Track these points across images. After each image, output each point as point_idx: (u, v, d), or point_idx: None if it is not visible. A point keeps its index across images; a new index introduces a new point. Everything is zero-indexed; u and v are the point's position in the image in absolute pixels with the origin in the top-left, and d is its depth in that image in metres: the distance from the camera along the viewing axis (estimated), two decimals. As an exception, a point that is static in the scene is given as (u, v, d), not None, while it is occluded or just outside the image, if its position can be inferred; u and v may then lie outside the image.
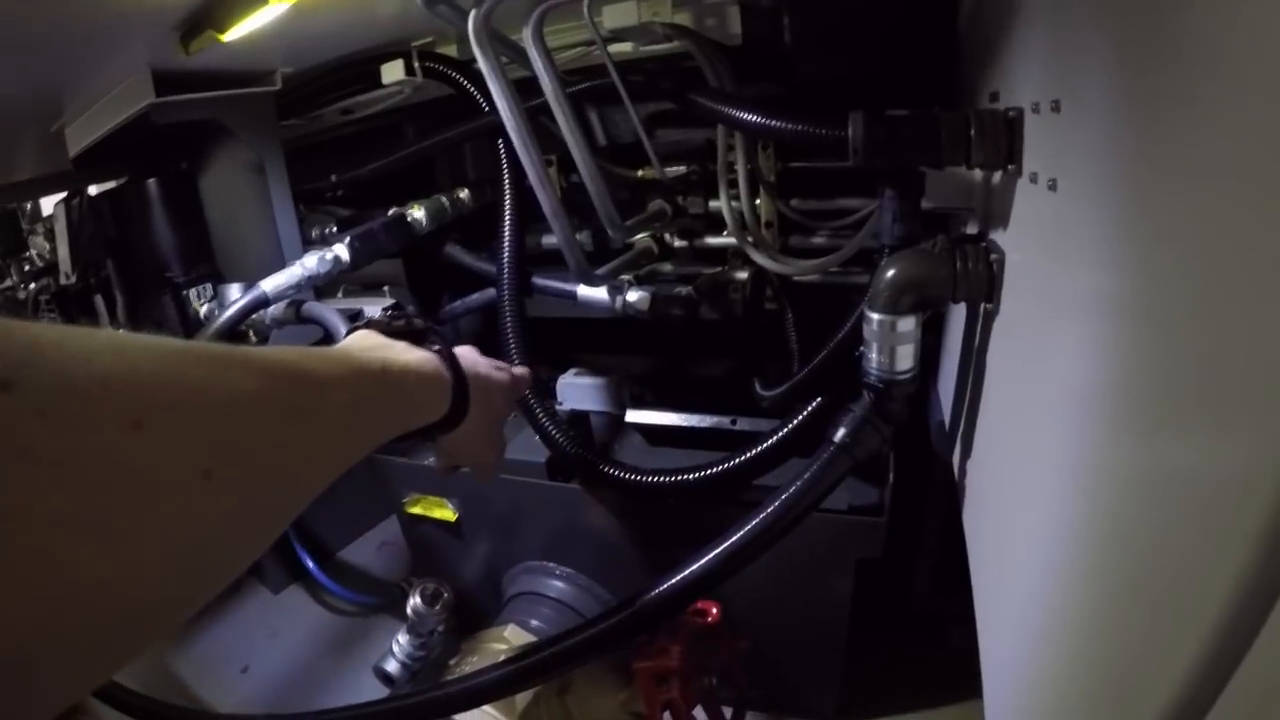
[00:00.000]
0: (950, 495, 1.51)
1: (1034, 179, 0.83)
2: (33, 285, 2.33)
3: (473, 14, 1.02)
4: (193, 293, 1.70)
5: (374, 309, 1.85)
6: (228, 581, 0.44)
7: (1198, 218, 0.46)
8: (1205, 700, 0.42)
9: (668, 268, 1.73)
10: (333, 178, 1.88)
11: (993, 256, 0.98)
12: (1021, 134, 0.88)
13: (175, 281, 1.68)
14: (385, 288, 2.02)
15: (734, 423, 1.55)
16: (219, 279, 1.74)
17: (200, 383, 0.40)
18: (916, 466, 1.48)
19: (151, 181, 1.69)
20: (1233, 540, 0.38)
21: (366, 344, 0.71)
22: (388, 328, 0.77)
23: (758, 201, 1.50)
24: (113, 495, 0.33)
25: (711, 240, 1.65)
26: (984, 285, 0.98)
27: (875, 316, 0.99)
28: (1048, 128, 0.79)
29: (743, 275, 1.63)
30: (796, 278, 1.53)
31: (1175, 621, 0.45)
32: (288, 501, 0.49)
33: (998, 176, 1.04)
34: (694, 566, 1.01)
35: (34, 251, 2.39)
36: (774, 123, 1.02)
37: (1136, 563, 0.53)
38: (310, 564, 2.30)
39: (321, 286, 1.93)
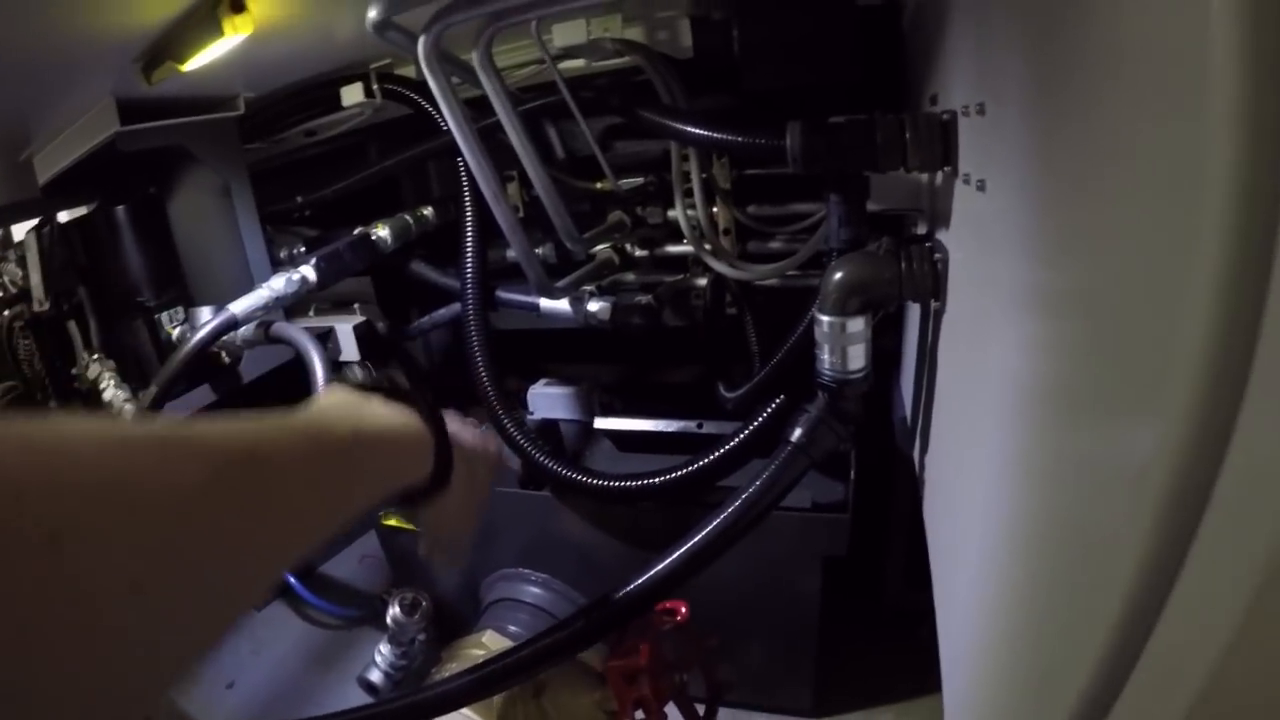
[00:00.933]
0: (915, 489, 1.57)
1: (967, 180, 0.86)
2: (5, 312, 2.33)
3: (421, 39, 1.04)
4: (164, 316, 1.70)
5: (345, 325, 1.85)
6: (172, 684, 0.41)
7: (1097, 217, 0.49)
8: (1120, 678, 0.44)
9: (630, 277, 1.75)
10: (298, 199, 1.89)
11: (937, 256, 1.02)
12: (956, 136, 0.91)
13: (146, 306, 1.69)
14: (355, 305, 2.03)
15: (700, 426, 1.58)
16: (190, 302, 1.75)
17: (134, 479, 0.36)
18: (882, 463, 1.51)
19: (120, 208, 1.70)
20: (1133, 524, 0.40)
21: (337, 403, 0.66)
22: (364, 384, 0.72)
23: (714, 209, 1.53)
24: (27, 616, 0.30)
25: (671, 249, 1.68)
26: (929, 284, 1.01)
27: (825, 319, 1.02)
28: (976, 130, 0.82)
29: (702, 282, 1.66)
30: (755, 282, 1.56)
31: (1086, 605, 0.47)
32: (235, 597, 0.44)
33: (939, 178, 1.08)
34: (658, 567, 1.04)
35: (6, 279, 2.38)
36: (717, 135, 1.05)
37: (1053, 548, 0.56)
38: (292, 579, 2.29)
39: (291, 306, 1.95)
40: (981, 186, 0.79)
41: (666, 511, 1.47)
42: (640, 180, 1.59)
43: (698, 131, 1.09)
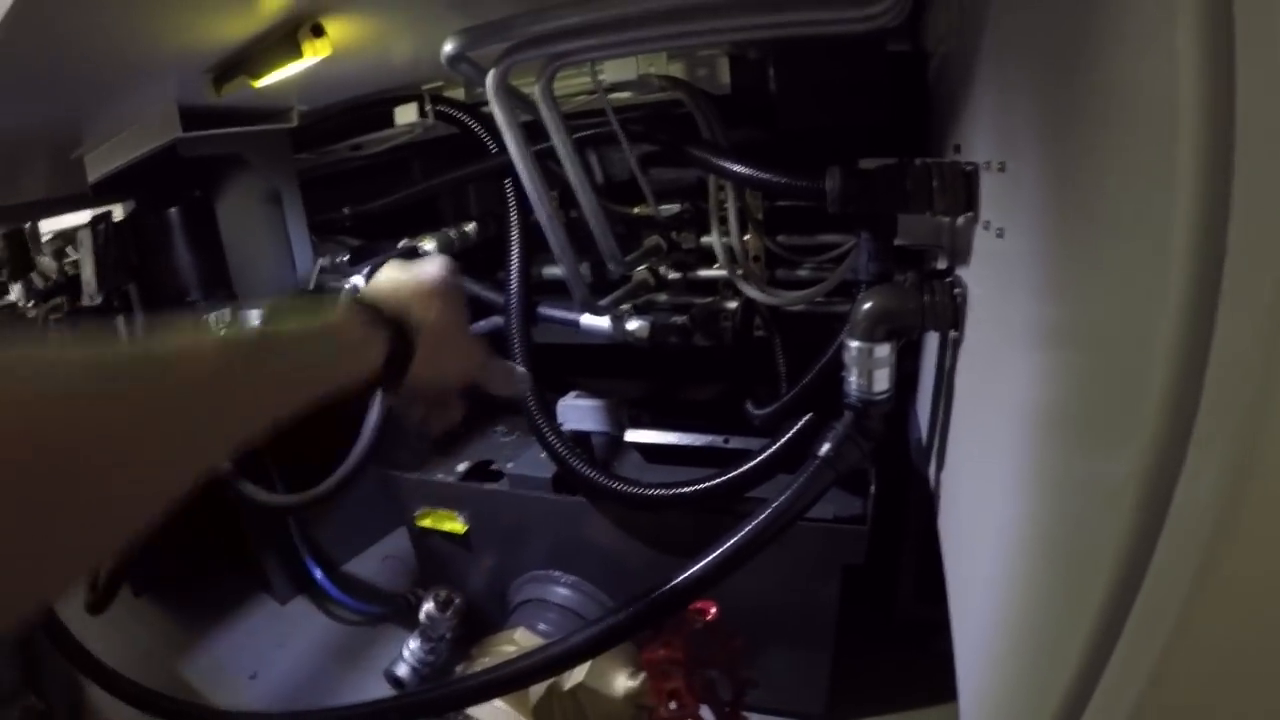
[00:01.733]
0: (929, 506, 1.65)
1: (987, 226, 0.95)
2: (42, 305, 2.42)
3: (491, 73, 1.14)
4: (212, 316, 1.79)
5: None
6: (62, 592, 0.42)
7: (1087, 268, 0.58)
8: (1090, 683, 0.51)
9: (662, 298, 1.83)
10: (346, 210, 1.98)
11: (956, 291, 1.11)
12: (978, 186, 1.01)
13: (196, 305, 1.77)
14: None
15: (727, 441, 1.66)
16: (236, 303, 1.83)
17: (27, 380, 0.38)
18: (898, 481, 1.60)
19: (173, 210, 1.78)
20: (1109, 537, 0.47)
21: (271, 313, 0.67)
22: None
23: (746, 237, 1.62)
24: None
25: (703, 273, 1.77)
26: (949, 316, 1.10)
27: (854, 344, 1.12)
28: (997, 184, 0.91)
29: (733, 305, 1.75)
30: (784, 308, 1.65)
31: (1068, 612, 0.54)
32: (137, 500, 0.44)
33: (961, 221, 1.17)
34: (694, 569, 1.12)
35: (41, 270, 2.47)
36: (761, 175, 1.15)
37: (1046, 559, 0.64)
38: (318, 574, 2.39)
39: None
40: (1001, 234, 0.88)
41: (692, 520, 1.55)
42: (677, 207, 1.68)
43: (742, 170, 1.20)
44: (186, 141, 1.52)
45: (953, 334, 1.14)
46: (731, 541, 1.15)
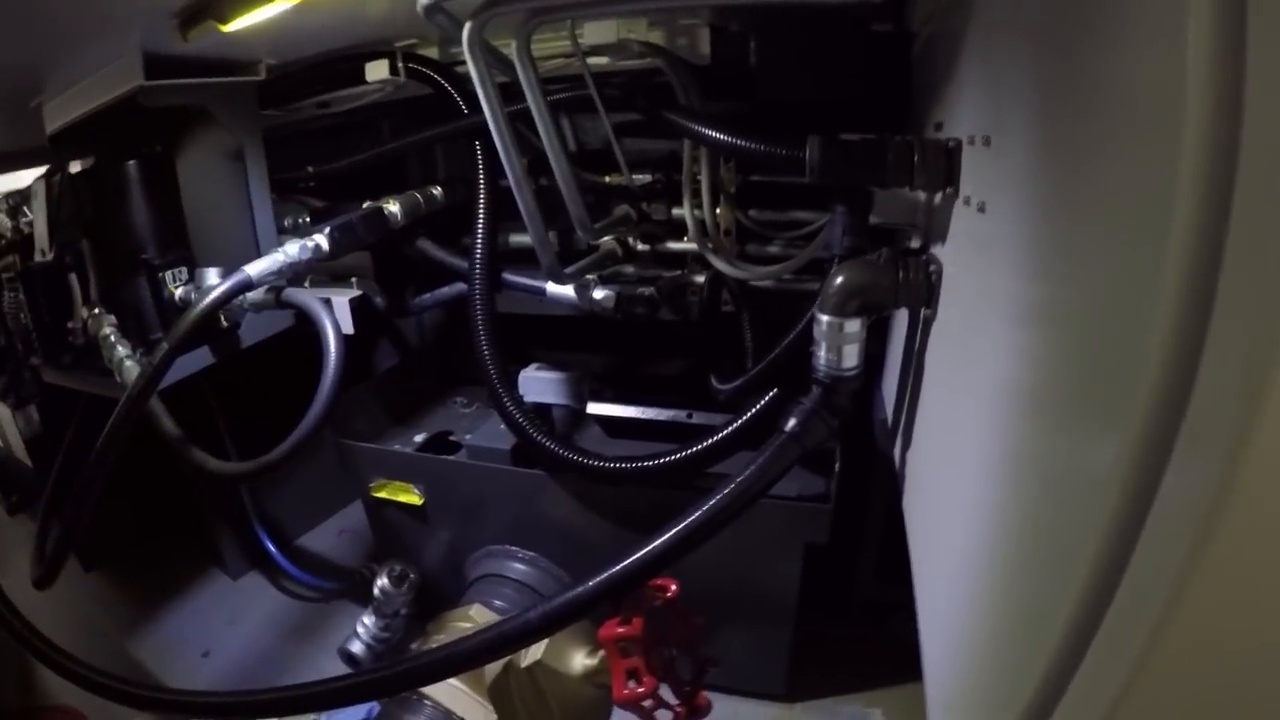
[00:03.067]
0: (892, 487, 1.64)
1: (968, 201, 0.94)
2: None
3: (468, 25, 1.09)
4: (168, 275, 1.71)
5: (342, 298, 1.87)
6: None
7: (1080, 244, 0.57)
8: (1065, 677, 0.51)
9: (629, 269, 1.81)
10: (309, 169, 1.92)
11: (931, 268, 1.10)
12: (959, 162, 0.99)
13: (151, 263, 1.69)
14: (353, 279, 2.06)
15: (690, 416, 1.65)
16: (193, 263, 1.77)
17: None
18: (861, 460, 1.59)
19: (131, 163, 1.70)
20: (1092, 525, 0.46)
21: None
22: None
23: (718, 210, 1.60)
24: None
25: (672, 245, 1.75)
26: (923, 293, 1.09)
27: (824, 318, 1.10)
28: (980, 158, 0.90)
29: (701, 279, 1.73)
30: (752, 282, 1.64)
31: (1049, 595, 0.53)
32: None
33: (938, 198, 1.16)
34: (655, 543, 1.10)
35: (-7, 229, 2.36)
36: (740, 142, 1.12)
37: (1025, 542, 0.63)
38: (271, 547, 2.33)
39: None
40: (982, 209, 0.87)
41: (653, 495, 1.53)
42: (649, 177, 1.65)
43: (720, 137, 1.16)
44: (149, 90, 1.44)
45: (925, 312, 1.13)
46: (692, 517, 1.12)
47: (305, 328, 1.85)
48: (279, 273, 1.49)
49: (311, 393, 1.42)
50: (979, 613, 0.76)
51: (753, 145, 1.10)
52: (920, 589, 1.10)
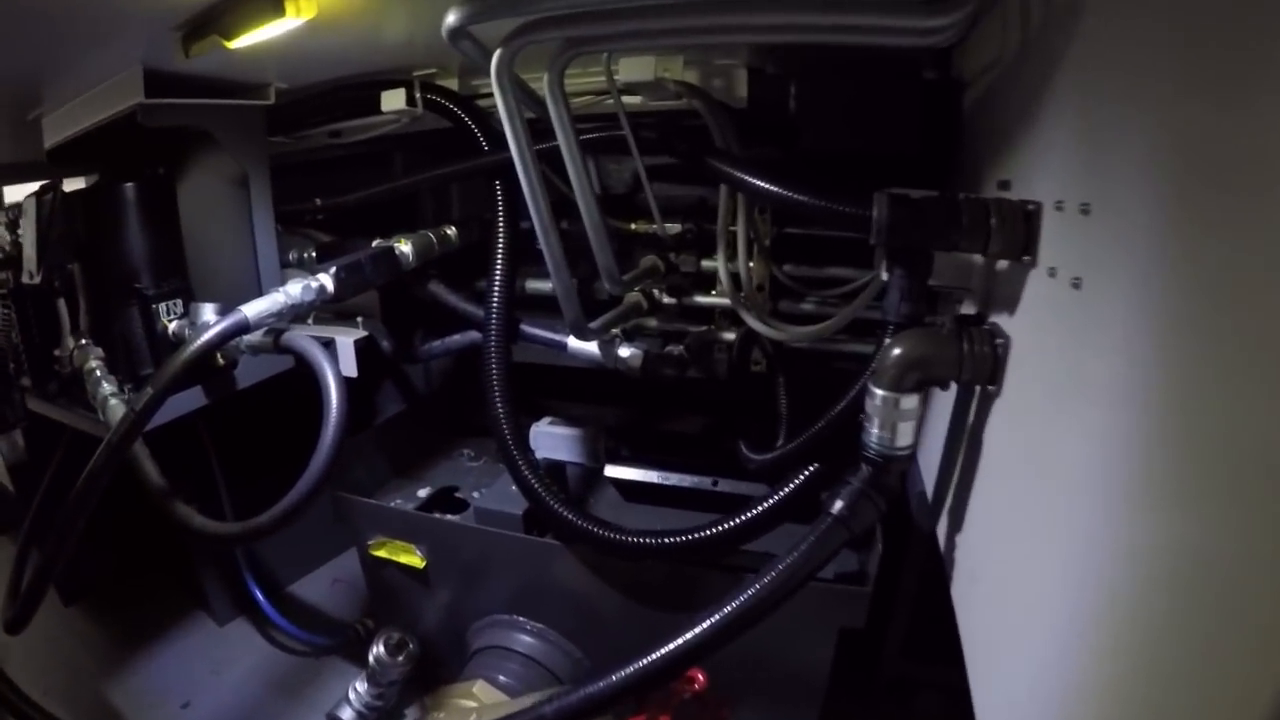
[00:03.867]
0: (929, 565, 1.54)
1: (1052, 274, 0.84)
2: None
3: (498, 52, 1.00)
4: (162, 307, 1.62)
5: (346, 339, 1.78)
6: None
7: (1233, 331, 0.48)
8: None
9: (653, 323, 1.72)
10: (317, 201, 1.83)
11: (998, 341, 1.00)
12: (1038, 228, 0.90)
13: (144, 293, 1.60)
14: (359, 319, 1.97)
15: (715, 484, 1.54)
16: (189, 295, 1.68)
17: None
18: (896, 535, 1.48)
19: (129, 185, 1.61)
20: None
21: None
22: None
23: (750, 264, 1.50)
24: None
25: (700, 299, 1.65)
26: (988, 368, 0.99)
27: (879, 392, 0.99)
28: (1072, 227, 0.80)
29: (730, 336, 1.63)
30: (788, 343, 1.54)
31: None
32: None
33: (1004, 264, 1.06)
34: (687, 637, 0.99)
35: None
36: (791, 195, 1.02)
37: (1159, 642, 0.54)
38: (259, 596, 2.19)
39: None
40: (1077, 284, 0.77)
41: (674, 569, 1.42)
42: (679, 226, 1.56)
43: (770, 188, 1.06)
44: (149, 109, 1.36)
45: (987, 388, 1.02)
46: (728, 609, 1.02)
47: (307, 368, 1.79)
48: (279, 314, 1.40)
49: (313, 437, 1.33)
50: (1097, 709, 0.66)
51: (808, 200, 1.00)
52: (983, 679, 0.99)
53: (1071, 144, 0.83)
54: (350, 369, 1.79)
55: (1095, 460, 0.70)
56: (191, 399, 1.59)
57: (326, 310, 1.94)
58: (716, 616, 1.00)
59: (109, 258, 1.64)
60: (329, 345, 1.78)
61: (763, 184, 1.08)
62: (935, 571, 1.51)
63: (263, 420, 1.99)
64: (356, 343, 1.80)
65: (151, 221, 1.60)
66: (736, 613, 1.00)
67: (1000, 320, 1.04)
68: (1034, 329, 0.92)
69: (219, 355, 1.59)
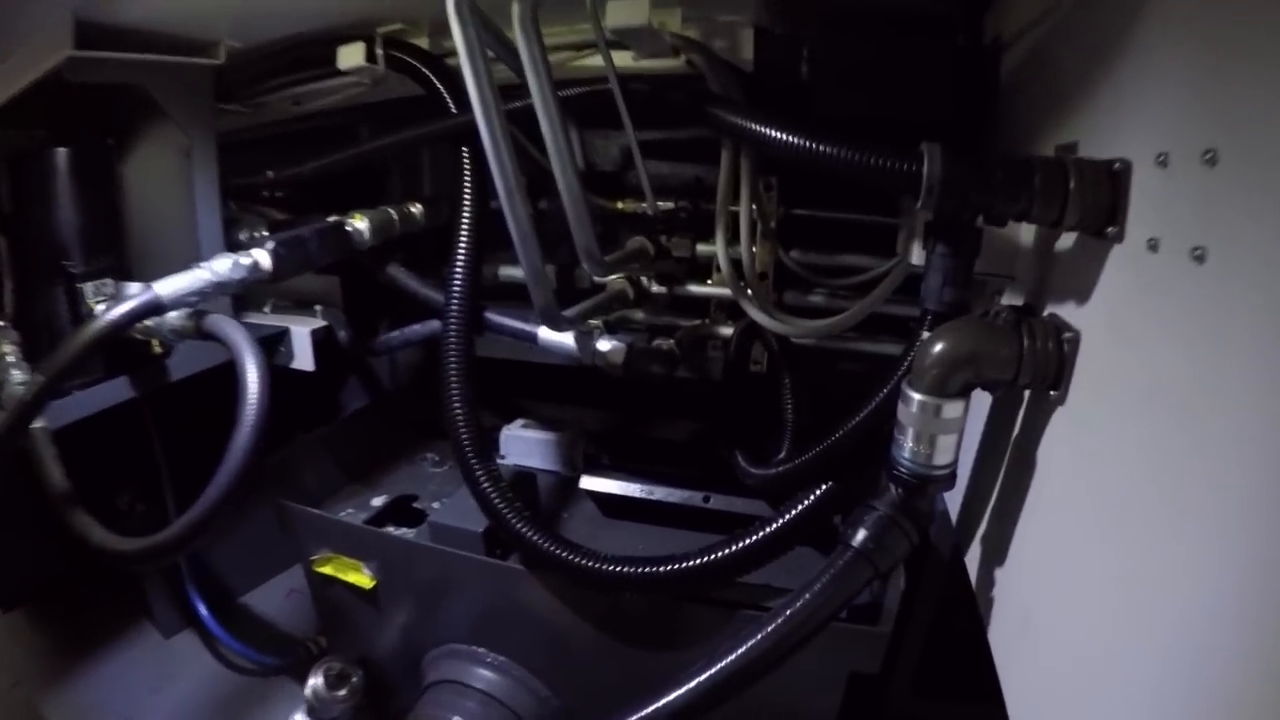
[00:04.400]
0: (948, 592, 1.37)
1: (1153, 246, 0.66)
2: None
3: (457, -23, 0.81)
4: (90, 287, 1.42)
5: (302, 329, 1.63)
6: None
7: None
8: None
9: (639, 315, 1.53)
10: (269, 174, 1.64)
11: (1065, 335, 0.81)
12: (1127, 191, 0.71)
13: (71, 272, 1.41)
14: (317, 307, 1.79)
15: (707, 500, 1.35)
16: (124, 275, 1.50)
17: None
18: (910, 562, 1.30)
19: (61, 151, 1.43)
20: None
21: None
22: None
23: (753, 248, 1.31)
24: None
25: (694, 288, 1.46)
26: (1052, 368, 0.80)
27: (916, 397, 0.81)
28: (1187, 184, 0.61)
29: (727, 331, 1.44)
30: (795, 339, 1.34)
31: None
32: None
33: (1068, 243, 0.87)
34: (675, 695, 0.80)
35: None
36: (820, 147, 0.81)
37: None
38: (202, 609, 1.99)
39: (244, 296, 1.66)
40: (1199, 257, 0.58)
41: (656, 599, 1.23)
42: (672, 204, 1.37)
43: (792, 140, 0.85)
44: (77, 63, 1.21)
45: (1050, 393, 0.84)
46: (727, 660, 0.83)
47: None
48: (201, 293, 1.20)
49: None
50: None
51: (839, 152, 0.79)
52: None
53: (1181, 80, 0.64)
54: (306, 362, 1.64)
55: (1235, 494, 0.52)
56: (115, 391, 1.42)
57: (287, 297, 1.79)
58: (707, 674, 0.81)
59: (36, 231, 1.46)
60: (282, 336, 1.64)
61: (776, 133, 0.87)
62: (952, 597, 1.34)
63: (219, 410, 1.83)
64: (314, 333, 1.64)
65: (85, 192, 1.45)
66: (733, 667, 0.82)
67: (1061, 312, 0.86)
68: (1117, 321, 0.73)
69: (157, 344, 1.42)
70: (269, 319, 1.69)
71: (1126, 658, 0.65)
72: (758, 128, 0.87)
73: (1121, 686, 0.65)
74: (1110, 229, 0.72)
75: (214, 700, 1.95)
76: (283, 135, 1.77)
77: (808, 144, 0.80)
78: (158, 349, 1.44)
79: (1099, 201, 0.71)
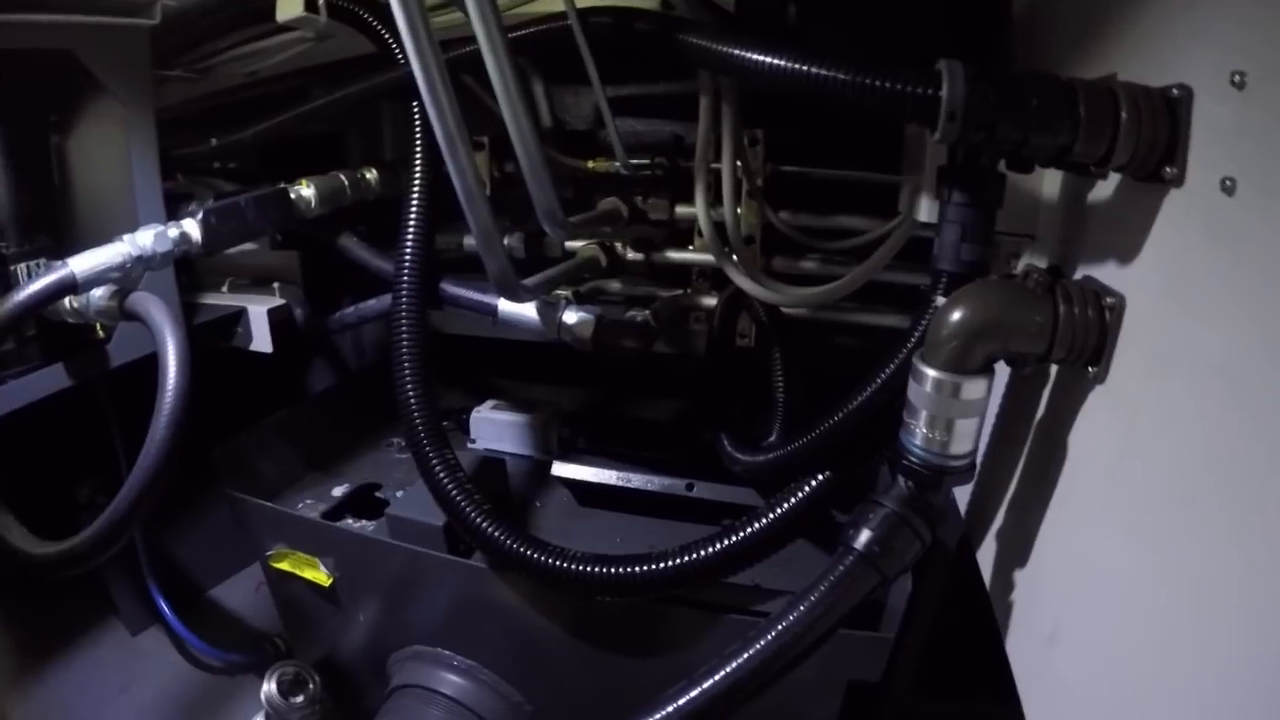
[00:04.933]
0: (958, 590, 1.25)
1: (1229, 188, 0.53)
2: None
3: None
4: (22, 268, 1.34)
5: (259, 308, 1.53)
6: None
7: None
8: None
9: (615, 285, 1.42)
10: (213, 141, 1.54)
11: (1107, 301, 0.68)
12: (1188, 124, 0.58)
13: (3, 253, 1.34)
14: (275, 284, 1.67)
15: (690, 488, 1.23)
16: (60, 255, 1.39)
17: None
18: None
19: (-10, 125, 1.34)
20: None
21: None
22: None
23: (739, 209, 1.18)
24: None
25: (674, 254, 1.33)
26: (1093, 340, 0.68)
27: (931, 374, 0.69)
28: (1259, 109, 0.49)
29: (711, 301, 1.32)
30: (785, 309, 1.22)
31: None
32: None
33: (1109, 189, 0.74)
34: (670, 709, 0.69)
35: None
36: (815, 70, 0.66)
37: None
38: (164, 607, 1.89)
39: (199, 275, 1.63)
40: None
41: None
42: (646, 162, 1.24)
43: (781, 63, 0.69)
44: None
45: (1090, 369, 0.71)
46: (712, 680, 0.72)
47: (216, 340, 1.51)
48: (122, 268, 1.07)
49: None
50: None
51: (837, 75, 0.64)
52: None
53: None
54: (264, 343, 1.55)
55: None
56: (49, 379, 1.32)
57: (244, 274, 1.70)
58: (684, 700, 0.69)
59: (-38, 211, 1.35)
60: (238, 316, 1.55)
61: (762, 56, 0.72)
62: (957, 590, 1.24)
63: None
64: (271, 312, 1.54)
65: (18, 169, 1.38)
66: (713, 692, 0.71)
67: (1100, 275, 0.73)
68: (1174, 283, 0.61)
69: (99, 327, 1.33)
70: (225, 299, 1.60)
71: (1177, 689, 0.55)
72: (740, 52, 0.73)
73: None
74: (1169, 169, 0.59)
75: (181, 700, 1.88)
76: (233, 103, 1.65)
77: (800, 67, 0.66)
78: (99, 333, 1.34)
79: (1156, 134, 0.58)
